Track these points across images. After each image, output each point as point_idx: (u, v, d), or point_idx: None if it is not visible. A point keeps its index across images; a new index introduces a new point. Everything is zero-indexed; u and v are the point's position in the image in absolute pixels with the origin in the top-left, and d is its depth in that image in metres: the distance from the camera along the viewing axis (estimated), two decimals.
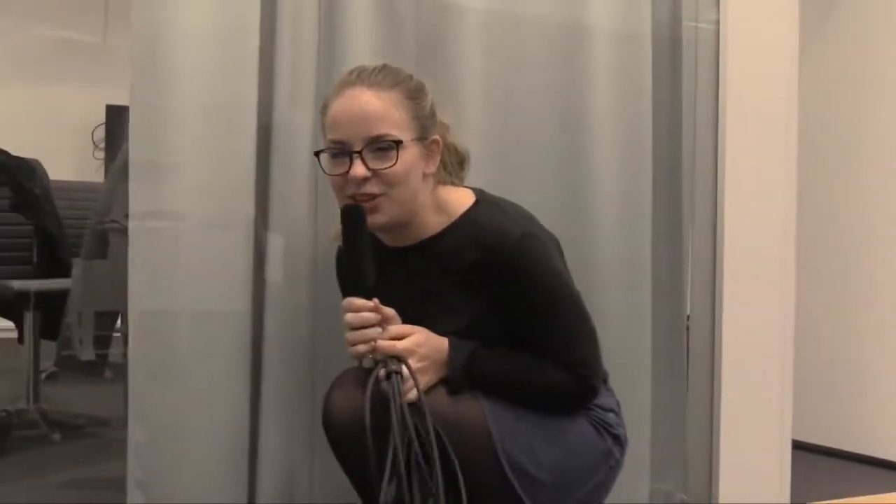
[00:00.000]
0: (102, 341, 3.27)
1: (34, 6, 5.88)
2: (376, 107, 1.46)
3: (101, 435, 3.25)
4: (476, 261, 1.48)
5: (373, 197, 1.47)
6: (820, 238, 3.25)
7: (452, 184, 1.62)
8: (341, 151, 1.48)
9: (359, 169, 1.46)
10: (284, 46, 1.81)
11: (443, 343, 1.49)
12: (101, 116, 5.99)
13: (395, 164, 1.45)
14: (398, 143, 1.46)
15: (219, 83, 1.76)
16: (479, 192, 1.59)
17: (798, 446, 2.35)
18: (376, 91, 1.47)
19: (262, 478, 1.78)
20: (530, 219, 1.56)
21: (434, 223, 1.55)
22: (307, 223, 1.82)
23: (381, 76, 1.50)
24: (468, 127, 1.92)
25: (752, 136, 2.15)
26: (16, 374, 3.39)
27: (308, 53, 1.83)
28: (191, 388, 1.75)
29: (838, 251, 3.29)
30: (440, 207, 1.55)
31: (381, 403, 1.40)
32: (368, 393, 1.39)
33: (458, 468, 1.41)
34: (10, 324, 3.46)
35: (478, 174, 1.89)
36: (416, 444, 1.39)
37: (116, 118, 5.93)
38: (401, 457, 1.37)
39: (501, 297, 1.49)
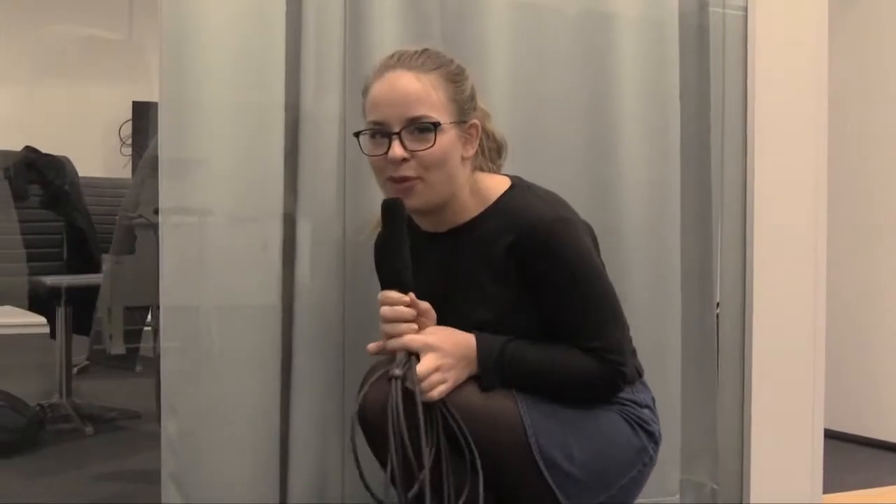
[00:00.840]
0: (133, 335, 3.29)
1: (60, 4, 5.93)
2: (416, 88, 1.47)
3: (133, 428, 3.28)
4: (510, 244, 1.47)
5: (410, 179, 1.48)
6: (852, 225, 3.22)
7: (490, 170, 1.62)
8: (380, 132, 1.49)
9: (397, 150, 1.46)
10: (310, 40, 1.81)
11: (470, 340, 1.48)
12: (128, 113, 6.03)
13: (432, 145, 1.46)
14: (436, 125, 1.46)
15: (246, 78, 1.77)
16: (515, 179, 1.59)
17: (830, 435, 2.33)
18: (416, 73, 1.48)
19: (293, 469, 1.80)
20: (565, 205, 1.56)
21: (470, 208, 1.55)
22: (335, 216, 1.83)
23: (422, 59, 1.50)
24: (494, 117, 1.91)
25: (782, 124, 2.13)
26: (48, 368, 3.44)
27: (334, 47, 1.83)
28: (222, 382, 1.76)
29: (870, 238, 3.25)
30: (477, 193, 1.55)
31: (410, 399, 1.38)
32: (394, 391, 1.38)
33: (478, 465, 1.39)
34: (42, 319, 3.51)
35: (505, 164, 1.90)
36: (442, 439, 1.39)
37: (143, 114, 5.97)
38: (410, 454, 1.35)
39: (533, 282, 1.48)
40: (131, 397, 3.55)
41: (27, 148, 3.43)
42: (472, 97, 1.55)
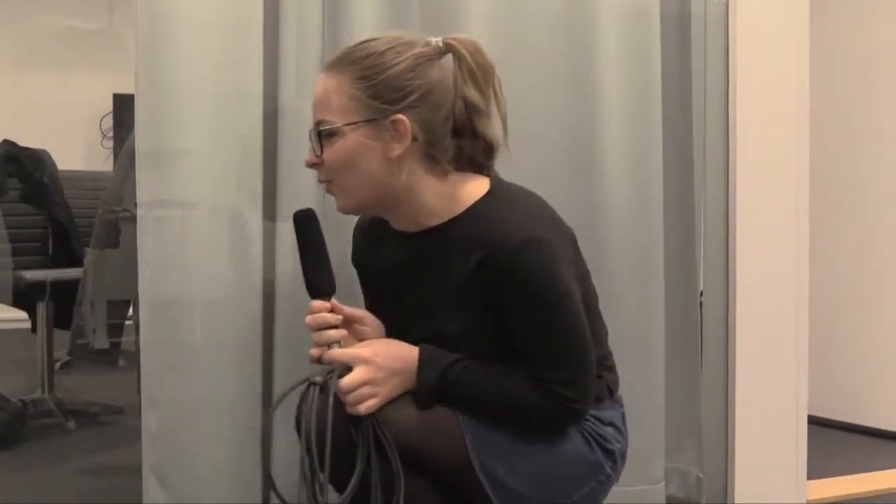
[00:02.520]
0: (115, 329, 3.27)
1: None
2: (319, 92, 1.42)
3: (116, 423, 3.27)
4: (478, 261, 1.38)
5: (326, 183, 1.45)
6: (836, 213, 3.23)
7: (478, 171, 1.49)
8: (310, 137, 1.47)
9: (308, 156, 1.45)
10: (289, 30, 1.80)
11: (411, 354, 1.41)
12: (109, 105, 5.98)
13: (321, 152, 1.41)
14: (322, 132, 1.40)
15: (224, 69, 1.76)
16: (495, 182, 1.48)
17: (813, 421, 2.34)
18: (326, 75, 1.42)
19: (275, 463, 1.79)
20: (542, 217, 1.45)
21: (439, 211, 1.45)
22: (316, 207, 1.80)
23: (339, 57, 1.43)
24: None
25: (764, 114, 2.12)
26: (30, 364, 3.41)
27: (313, 36, 1.82)
28: (203, 375, 1.75)
29: (855, 225, 3.27)
30: (451, 196, 1.44)
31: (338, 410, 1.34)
32: (310, 398, 1.34)
33: (401, 483, 1.34)
34: (22, 314, 3.48)
35: None
36: (373, 453, 1.34)
37: (124, 107, 5.92)
38: (319, 472, 1.31)
39: (496, 302, 1.39)
40: (113, 392, 3.52)
41: (6, 141, 3.40)
42: (400, 88, 1.38)
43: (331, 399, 1.34)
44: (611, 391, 1.55)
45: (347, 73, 1.40)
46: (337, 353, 1.39)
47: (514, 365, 1.41)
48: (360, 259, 1.63)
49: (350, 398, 1.34)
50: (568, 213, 1.86)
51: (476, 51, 1.44)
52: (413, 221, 1.47)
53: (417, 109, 1.40)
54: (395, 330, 1.49)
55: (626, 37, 2.04)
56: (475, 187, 1.45)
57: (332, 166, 1.42)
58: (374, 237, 1.57)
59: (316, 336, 1.43)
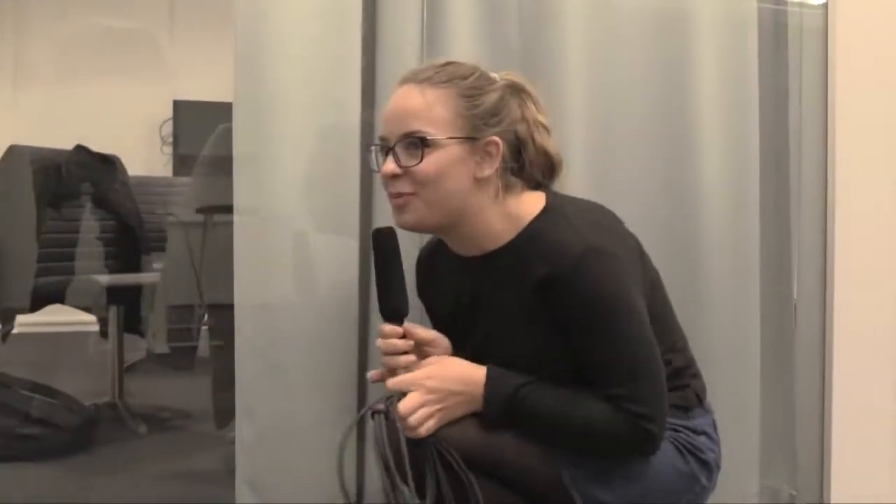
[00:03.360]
0: (190, 334, 3.28)
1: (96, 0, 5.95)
2: (414, 103, 1.40)
3: (186, 428, 3.27)
4: (538, 279, 1.36)
5: (403, 195, 1.41)
6: None
7: (538, 188, 1.48)
8: (382, 147, 1.45)
9: (388, 165, 1.41)
10: (387, 42, 1.81)
11: (476, 376, 1.39)
12: (169, 111, 6.03)
13: (419, 162, 1.39)
14: (423, 140, 1.38)
15: (322, 78, 1.77)
16: (551, 198, 1.46)
17: None
18: (423, 87, 1.40)
19: (370, 473, 1.77)
20: (600, 227, 1.42)
21: (501, 233, 1.44)
22: None
23: (434, 72, 1.42)
24: (571, 119, 1.90)
25: (863, 119, 2.06)
26: (93, 367, 3.43)
27: (411, 48, 1.81)
28: (299, 384, 1.75)
29: None
30: (509, 217, 1.44)
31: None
32: (377, 426, 1.37)
33: (478, 498, 1.34)
34: (88, 317, 3.51)
35: (581, 167, 1.89)
36: (441, 473, 1.35)
37: (184, 113, 5.97)
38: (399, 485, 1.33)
39: (560, 318, 1.37)
40: (180, 396, 3.54)
41: (78, 147, 3.43)
42: (495, 112, 1.42)
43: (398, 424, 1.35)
44: (699, 399, 1.52)
45: (452, 89, 1.41)
46: (392, 382, 1.40)
47: (586, 388, 1.38)
48: (427, 293, 1.61)
49: (408, 423, 1.35)
50: (662, 223, 1.85)
51: (530, 84, 1.50)
52: (475, 245, 1.46)
53: (505, 133, 1.43)
54: (471, 359, 1.45)
55: (723, 46, 2.01)
56: (531, 205, 1.44)
57: (421, 178, 1.39)
58: (437, 269, 1.57)
59: (384, 360, 1.44)
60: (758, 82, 2.03)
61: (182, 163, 5.90)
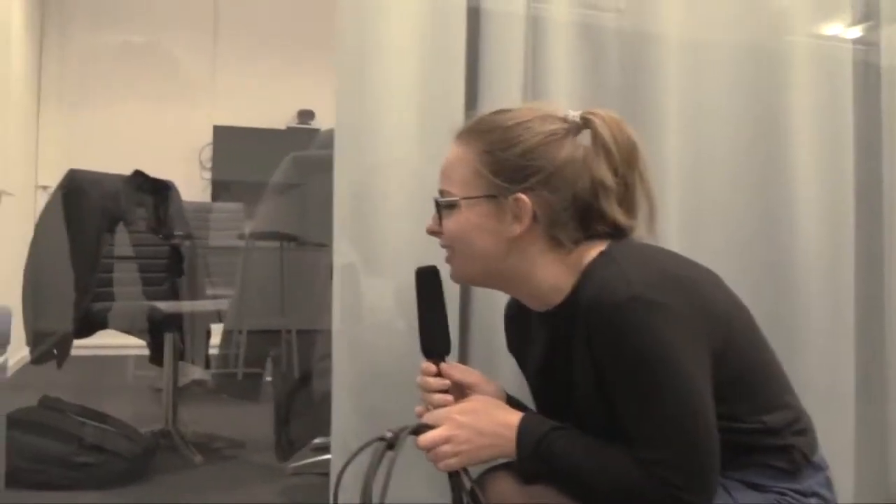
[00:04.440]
0: (257, 363, 3.24)
1: (141, 24, 5.99)
2: (448, 162, 1.39)
3: (241, 457, 3.23)
4: (584, 324, 1.28)
5: (446, 249, 1.42)
6: None
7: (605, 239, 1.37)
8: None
9: (428, 221, 1.42)
10: (489, 68, 1.79)
11: (509, 419, 1.33)
12: (209, 137, 6.05)
13: (439, 223, 1.38)
14: (441, 203, 1.37)
15: (425, 107, 1.75)
16: (610, 244, 1.34)
17: None
18: (456, 143, 1.39)
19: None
20: (653, 273, 1.27)
21: (562, 286, 1.35)
22: None
23: (469, 127, 1.39)
24: (668, 150, 1.90)
25: None
26: (134, 392, 3.36)
27: (513, 83, 1.80)
28: (397, 418, 1.70)
29: None
30: (571, 266, 1.35)
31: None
32: (374, 453, 1.33)
33: None
34: (132, 340, 3.48)
35: (677, 195, 1.88)
36: None
37: (223, 139, 5.99)
38: None
39: (601, 369, 1.27)
40: (231, 425, 3.50)
41: (136, 172, 3.42)
42: (524, 168, 1.32)
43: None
44: (806, 457, 1.37)
45: (473, 146, 1.36)
46: (424, 415, 1.38)
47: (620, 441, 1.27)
48: (514, 349, 1.58)
49: (430, 455, 1.32)
50: (755, 254, 1.82)
51: (616, 126, 1.36)
52: (539, 300, 1.40)
53: (541, 189, 1.33)
54: (558, 416, 1.36)
55: (819, 85, 2.01)
56: (589, 255, 1.35)
57: (448, 238, 1.39)
58: (521, 324, 1.53)
59: (423, 396, 1.42)
60: (852, 121, 2.02)
61: (221, 188, 5.92)
